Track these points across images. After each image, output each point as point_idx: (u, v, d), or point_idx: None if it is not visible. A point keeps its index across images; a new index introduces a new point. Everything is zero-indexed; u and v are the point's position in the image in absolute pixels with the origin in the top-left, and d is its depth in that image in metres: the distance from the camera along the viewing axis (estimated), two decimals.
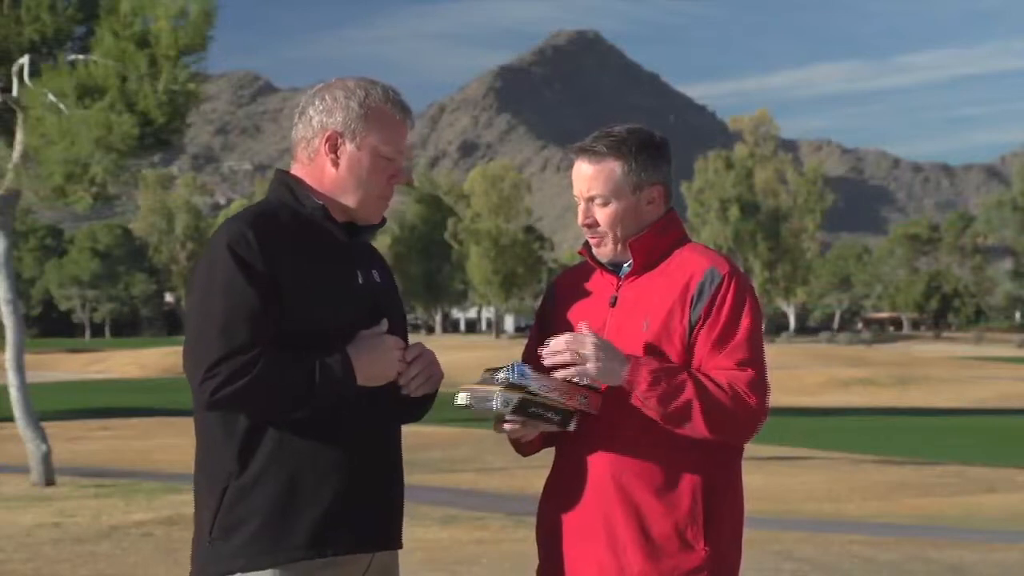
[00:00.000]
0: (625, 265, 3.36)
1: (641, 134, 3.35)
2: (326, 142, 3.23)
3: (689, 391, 3.13)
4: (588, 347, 3.15)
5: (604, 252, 3.36)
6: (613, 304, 3.32)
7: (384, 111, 3.25)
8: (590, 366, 3.14)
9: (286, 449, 3.09)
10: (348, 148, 3.23)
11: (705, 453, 3.23)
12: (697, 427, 3.16)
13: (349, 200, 3.25)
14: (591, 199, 3.34)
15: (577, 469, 3.31)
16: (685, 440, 3.20)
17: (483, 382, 3.19)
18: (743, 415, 3.17)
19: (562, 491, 3.35)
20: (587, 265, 3.44)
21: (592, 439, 3.26)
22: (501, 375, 3.15)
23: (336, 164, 3.23)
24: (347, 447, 3.14)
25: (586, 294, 3.40)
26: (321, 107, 3.25)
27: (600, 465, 3.26)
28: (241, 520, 3.08)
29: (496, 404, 3.13)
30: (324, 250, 3.20)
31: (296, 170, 3.29)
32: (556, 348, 3.17)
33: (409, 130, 3.31)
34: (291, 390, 3.03)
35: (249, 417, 3.08)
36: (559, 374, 3.17)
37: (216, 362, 3.00)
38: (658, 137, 3.37)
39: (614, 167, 3.31)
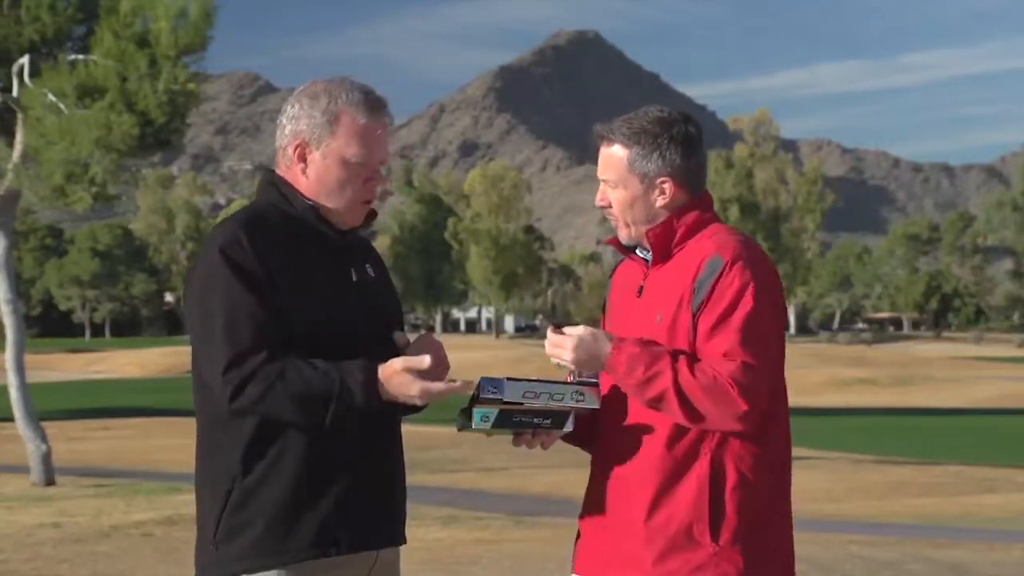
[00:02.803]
0: (649, 254, 3.37)
1: (661, 124, 3.30)
2: (295, 151, 3.21)
3: (665, 380, 3.12)
4: (568, 340, 3.20)
5: (622, 236, 3.38)
6: (639, 294, 3.34)
7: (348, 116, 3.18)
8: (567, 356, 3.19)
9: (290, 450, 3.09)
10: (315, 157, 3.20)
11: (715, 447, 3.19)
12: (676, 415, 3.15)
13: (326, 205, 3.22)
14: (605, 181, 3.37)
15: (598, 463, 3.36)
16: (692, 434, 3.19)
17: (468, 397, 3.18)
18: (722, 409, 3.12)
19: (591, 480, 3.39)
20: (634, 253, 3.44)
21: (605, 434, 3.28)
22: (473, 392, 3.12)
23: (305, 173, 3.21)
24: (350, 446, 3.13)
25: (626, 284, 3.42)
26: (291, 114, 3.22)
27: (613, 459, 3.28)
28: (246, 522, 3.08)
29: (474, 423, 3.12)
30: (317, 249, 3.20)
31: (281, 174, 3.28)
32: (548, 351, 3.24)
33: (385, 128, 3.23)
34: (309, 406, 3.01)
35: (260, 420, 3.07)
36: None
37: (226, 367, 3.00)
38: (678, 131, 3.30)
39: (623, 156, 3.31)
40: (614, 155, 3.32)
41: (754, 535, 3.23)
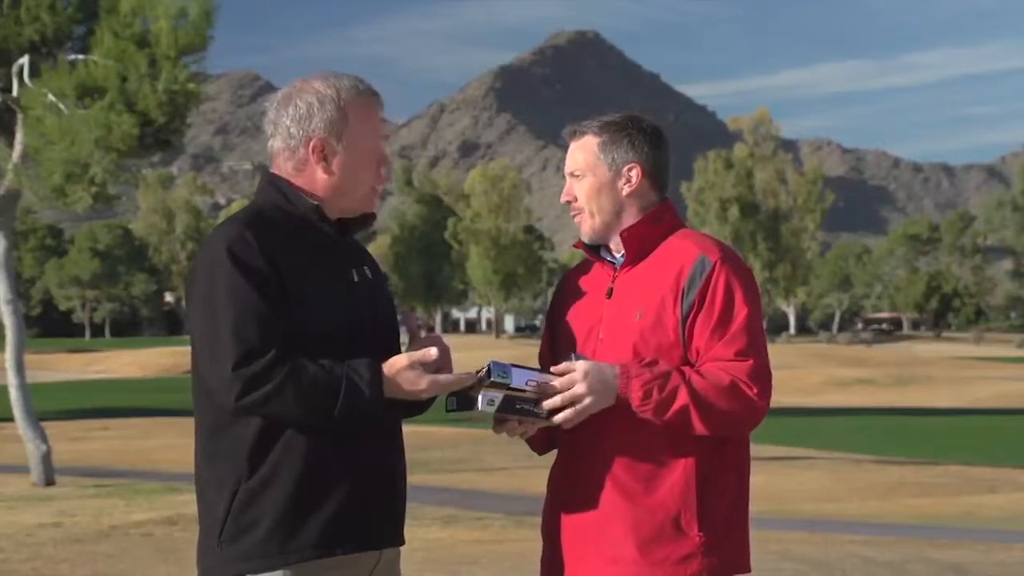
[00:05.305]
0: (619, 256, 3.37)
1: (630, 118, 3.38)
2: (313, 151, 3.20)
3: (683, 397, 3.12)
4: (576, 373, 3.14)
5: (585, 230, 3.39)
6: (609, 295, 3.34)
7: (358, 103, 3.22)
8: (580, 390, 3.14)
9: (295, 451, 3.09)
10: (338, 151, 3.21)
11: (697, 439, 3.20)
12: (697, 429, 3.16)
13: (346, 199, 3.23)
14: (572, 175, 3.39)
15: (573, 461, 3.32)
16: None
17: (468, 385, 3.18)
18: (744, 409, 3.16)
19: (560, 483, 3.36)
20: (592, 260, 3.45)
21: (585, 431, 3.24)
22: (482, 375, 3.14)
23: (328, 171, 3.21)
24: (354, 447, 3.14)
25: (588, 287, 3.42)
26: (295, 115, 3.21)
27: (592, 456, 3.26)
28: (252, 522, 3.08)
29: (480, 404, 3.12)
30: (319, 249, 3.20)
31: (283, 175, 3.26)
32: (553, 404, 3.15)
33: (383, 109, 3.30)
34: (316, 403, 3.01)
35: (263, 422, 3.07)
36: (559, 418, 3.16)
37: (233, 366, 2.99)
38: (647, 123, 3.39)
39: (592, 144, 3.35)
40: (583, 145, 3.37)
41: (734, 527, 3.26)
